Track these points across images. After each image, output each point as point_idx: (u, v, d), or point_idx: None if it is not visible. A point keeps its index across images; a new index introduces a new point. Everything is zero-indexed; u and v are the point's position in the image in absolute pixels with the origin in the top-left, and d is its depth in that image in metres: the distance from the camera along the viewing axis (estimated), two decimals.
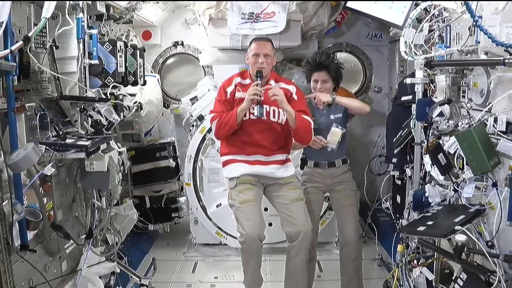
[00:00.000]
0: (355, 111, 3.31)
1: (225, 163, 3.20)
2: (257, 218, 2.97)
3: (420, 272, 2.79)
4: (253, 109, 2.98)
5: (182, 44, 5.01)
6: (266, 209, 3.92)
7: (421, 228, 2.31)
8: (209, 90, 4.40)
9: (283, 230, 3.05)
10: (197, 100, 4.47)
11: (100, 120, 2.98)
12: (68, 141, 2.50)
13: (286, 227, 3.01)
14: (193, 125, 4.37)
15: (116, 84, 3.29)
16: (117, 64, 3.21)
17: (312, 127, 3.09)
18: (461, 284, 2.23)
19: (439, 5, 2.69)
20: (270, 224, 3.90)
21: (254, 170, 3.08)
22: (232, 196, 3.10)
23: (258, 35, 3.94)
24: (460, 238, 2.10)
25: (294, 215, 2.99)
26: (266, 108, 3.02)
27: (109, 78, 3.18)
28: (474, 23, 2.10)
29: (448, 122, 2.55)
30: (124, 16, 3.86)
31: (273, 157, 3.11)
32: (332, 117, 3.29)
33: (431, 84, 2.87)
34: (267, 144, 3.09)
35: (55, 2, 2.27)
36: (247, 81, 3.13)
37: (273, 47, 3.17)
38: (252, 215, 2.97)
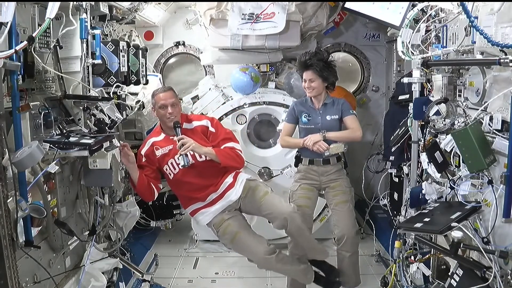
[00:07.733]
0: (348, 141, 3.35)
1: (192, 215, 3.23)
2: (250, 245, 3.01)
3: (417, 267, 2.81)
4: (179, 159, 2.94)
5: (183, 44, 5.01)
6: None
7: (418, 225, 2.33)
8: (210, 89, 4.42)
9: (275, 228, 3.14)
10: (198, 99, 4.47)
11: (103, 118, 2.98)
12: (72, 139, 2.50)
13: (274, 223, 3.10)
14: None
15: (119, 84, 3.29)
16: (119, 63, 3.21)
17: (238, 149, 3.12)
18: (457, 280, 2.25)
19: (436, 6, 2.70)
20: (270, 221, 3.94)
21: (216, 208, 3.09)
22: (223, 241, 3.14)
23: (258, 35, 3.98)
24: (456, 234, 2.14)
25: (269, 211, 3.06)
26: (190, 154, 2.96)
27: (112, 78, 3.17)
28: (470, 24, 2.12)
29: (444, 120, 2.57)
30: (126, 17, 3.84)
31: (223, 186, 3.10)
32: (328, 117, 3.31)
33: (427, 83, 2.89)
34: (210, 182, 3.08)
35: (59, 3, 2.28)
36: (162, 135, 3.11)
37: (175, 93, 3.14)
38: (245, 246, 3.03)
